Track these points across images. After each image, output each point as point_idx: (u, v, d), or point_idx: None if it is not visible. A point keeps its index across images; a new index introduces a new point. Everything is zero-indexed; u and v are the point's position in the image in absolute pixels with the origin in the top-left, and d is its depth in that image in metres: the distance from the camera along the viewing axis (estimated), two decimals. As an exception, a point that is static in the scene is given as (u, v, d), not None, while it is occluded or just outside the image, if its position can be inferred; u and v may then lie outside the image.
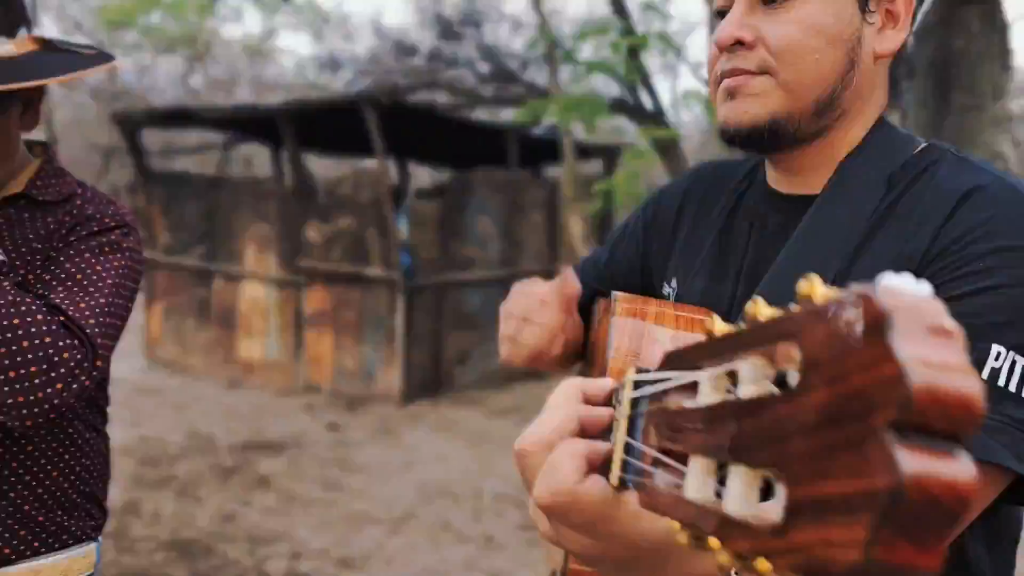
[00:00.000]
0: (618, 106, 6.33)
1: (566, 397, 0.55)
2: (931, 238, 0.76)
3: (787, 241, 0.87)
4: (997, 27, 9.31)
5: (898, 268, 0.76)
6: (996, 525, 0.82)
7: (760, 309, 0.33)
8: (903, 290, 0.26)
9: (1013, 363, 0.68)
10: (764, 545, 0.28)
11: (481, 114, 12.28)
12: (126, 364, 8.12)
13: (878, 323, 0.25)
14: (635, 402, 0.46)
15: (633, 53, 5.42)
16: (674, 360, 0.42)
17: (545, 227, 7.85)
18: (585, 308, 1.24)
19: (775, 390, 0.31)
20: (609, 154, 8.38)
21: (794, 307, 0.31)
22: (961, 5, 9.31)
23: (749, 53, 0.84)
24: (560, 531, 0.53)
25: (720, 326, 0.37)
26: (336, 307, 6.81)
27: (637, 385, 0.47)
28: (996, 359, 0.67)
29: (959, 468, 0.24)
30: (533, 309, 1.05)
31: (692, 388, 0.39)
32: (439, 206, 6.97)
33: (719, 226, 1.00)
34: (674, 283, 1.04)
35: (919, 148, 0.86)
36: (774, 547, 0.28)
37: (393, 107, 6.35)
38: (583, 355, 1.25)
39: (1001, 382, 0.67)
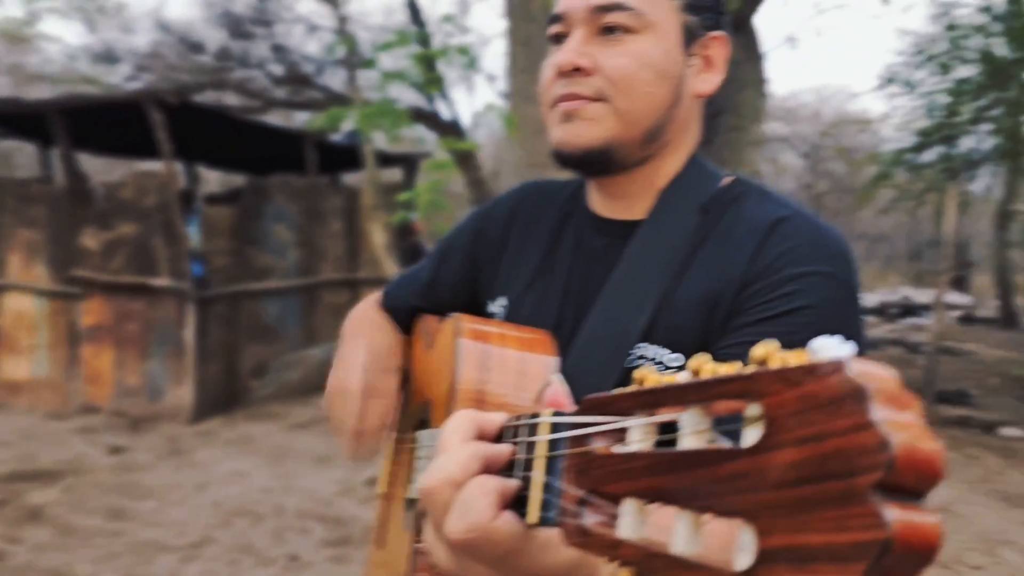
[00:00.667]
0: (417, 115, 6.36)
1: (463, 434, 0.56)
2: (746, 264, 0.84)
3: (612, 264, 0.93)
4: (755, 56, 10.38)
5: (717, 290, 0.84)
6: None
7: (703, 365, 0.36)
8: (852, 358, 0.29)
9: None
10: None
11: (274, 118, 11.85)
12: None
13: (855, 394, 0.28)
14: (552, 444, 0.48)
15: (430, 64, 5.49)
16: (597, 406, 0.43)
17: (345, 235, 7.73)
18: (404, 325, 1.24)
19: (726, 442, 0.34)
20: (409, 163, 8.39)
21: (748, 367, 0.33)
22: (726, 35, 10.24)
23: (587, 80, 0.88)
24: (465, 565, 0.54)
25: (652, 377, 0.40)
26: (117, 320, 6.31)
27: (555, 428, 0.48)
28: None
29: (930, 520, 0.28)
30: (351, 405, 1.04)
31: (618, 434, 0.42)
32: (233, 212, 6.66)
33: (545, 246, 1.04)
34: (502, 301, 1.06)
35: (726, 180, 0.95)
36: None
37: (180, 107, 5.99)
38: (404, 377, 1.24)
39: None
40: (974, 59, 9.21)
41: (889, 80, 10.23)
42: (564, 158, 0.91)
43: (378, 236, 5.44)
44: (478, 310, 1.10)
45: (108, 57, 14.95)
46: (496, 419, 0.57)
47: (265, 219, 6.80)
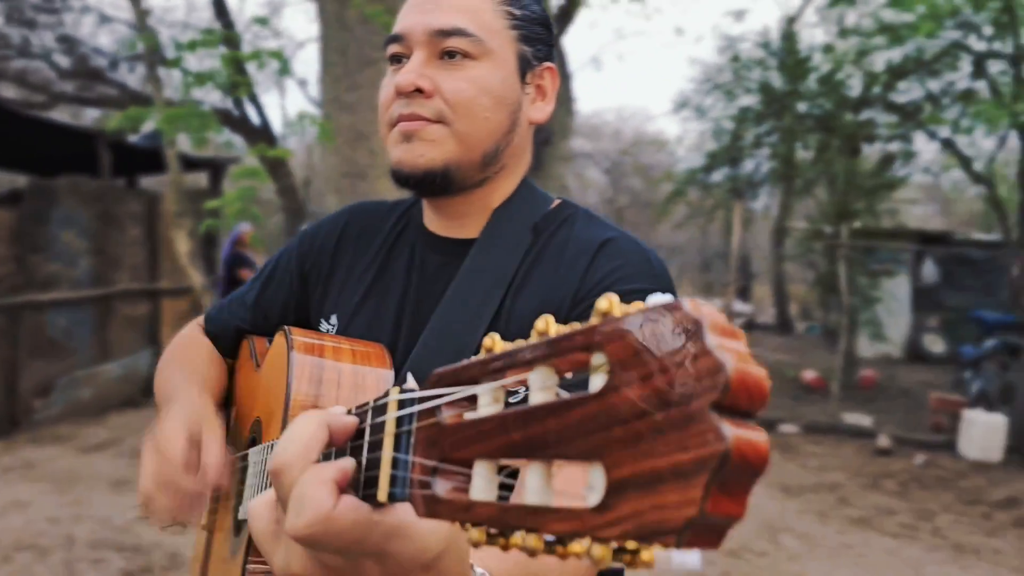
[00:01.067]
0: (225, 119, 6.10)
1: (307, 416, 0.54)
2: (578, 281, 0.90)
3: (448, 280, 0.96)
4: (563, 75, 10.79)
5: (552, 306, 0.89)
6: None
7: (550, 325, 0.37)
8: (681, 299, 0.32)
9: None
10: (587, 524, 0.33)
11: (61, 114, 10.90)
12: None
13: (692, 326, 0.31)
14: (400, 420, 0.47)
15: (240, 67, 5.30)
16: (446, 378, 0.43)
17: (144, 243, 7.25)
18: (229, 348, 1.19)
19: (566, 394, 0.36)
20: (216, 167, 8.01)
21: (591, 321, 0.35)
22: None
23: (427, 101, 0.90)
24: (322, 561, 0.52)
25: (500, 344, 0.41)
26: None
27: (402, 404, 0.48)
28: None
29: (761, 436, 0.31)
30: (169, 478, 0.90)
31: (469, 402, 0.42)
32: (13, 216, 6.07)
33: (378, 264, 1.05)
34: (333, 319, 1.05)
35: (554, 203, 1.02)
36: (598, 523, 0.32)
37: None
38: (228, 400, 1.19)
39: None
40: (755, 89, 10.14)
41: (682, 105, 11.05)
42: (403, 178, 0.93)
43: (183, 244, 5.16)
44: (308, 328, 1.08)
45: None
46: (340, 409, 0.55)
47: (51, 224, 6.25)
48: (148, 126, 5.50)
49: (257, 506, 0.57)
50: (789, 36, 10.15)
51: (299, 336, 0.90)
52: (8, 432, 5.82)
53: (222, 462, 0.91)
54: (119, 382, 6.53)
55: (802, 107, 9.58)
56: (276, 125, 10.69)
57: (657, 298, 0.33)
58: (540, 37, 0.99)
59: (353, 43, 5.45)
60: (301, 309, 1.13)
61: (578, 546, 0.34)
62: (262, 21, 5.51)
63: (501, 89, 0.93)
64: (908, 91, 9.63)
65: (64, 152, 7.30)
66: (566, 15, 7.82)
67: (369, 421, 0.51)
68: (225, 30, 5.76)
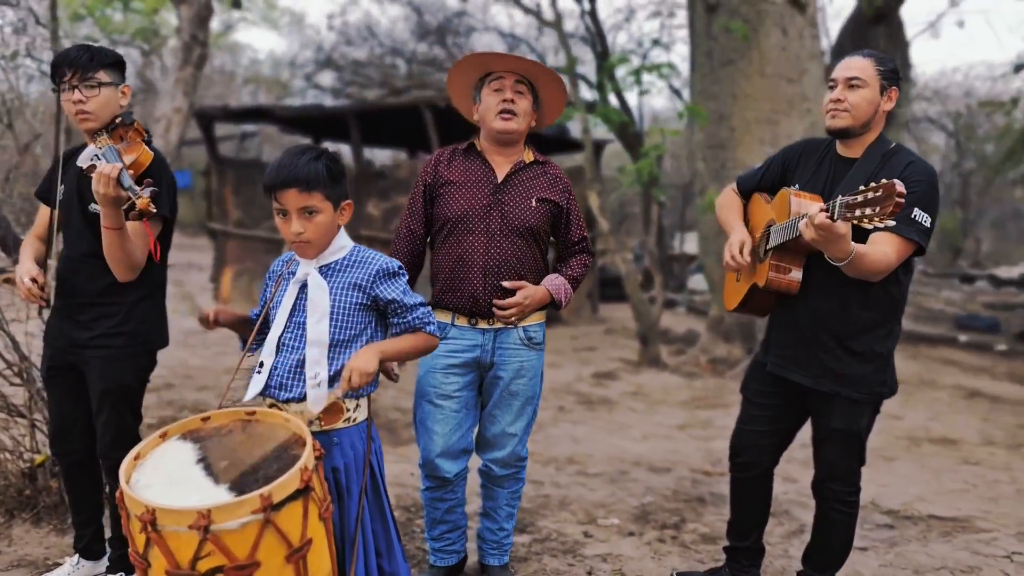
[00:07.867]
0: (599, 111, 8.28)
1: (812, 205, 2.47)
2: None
3: (847, 172, 2.69)
4: (899, 44, 11.77)
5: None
6: (907, 271, 2.66)
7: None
8: None
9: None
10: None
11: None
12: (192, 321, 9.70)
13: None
14: (830, 207, 2.41)
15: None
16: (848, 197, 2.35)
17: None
18: (746, 195, 3.04)
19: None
20: (598, 147, 10.37)
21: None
22: (870, 26, 11.72)
23: None
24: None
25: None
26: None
27: (831, 207, 2.42)
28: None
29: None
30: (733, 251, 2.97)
31: (853, 200, 2.33)
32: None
33: (816, 165, 2.73)
34: (796, 186, 2.68)
35: (891, 145, 2.73)
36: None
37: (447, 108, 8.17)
38: None
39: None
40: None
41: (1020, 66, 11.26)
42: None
43: (594, 201, 7.40)
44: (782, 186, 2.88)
45: (325, 63, 17.68)
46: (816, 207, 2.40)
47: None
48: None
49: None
50: None
51: (790, 191, 2.72)
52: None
53: (744, 241, 2.79)
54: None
55: None
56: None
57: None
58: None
59: (716, 48, 7.26)
60: (778, 182, 2.88)
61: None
62: (658, 43, 7.53)
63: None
64: None
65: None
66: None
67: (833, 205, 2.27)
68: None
